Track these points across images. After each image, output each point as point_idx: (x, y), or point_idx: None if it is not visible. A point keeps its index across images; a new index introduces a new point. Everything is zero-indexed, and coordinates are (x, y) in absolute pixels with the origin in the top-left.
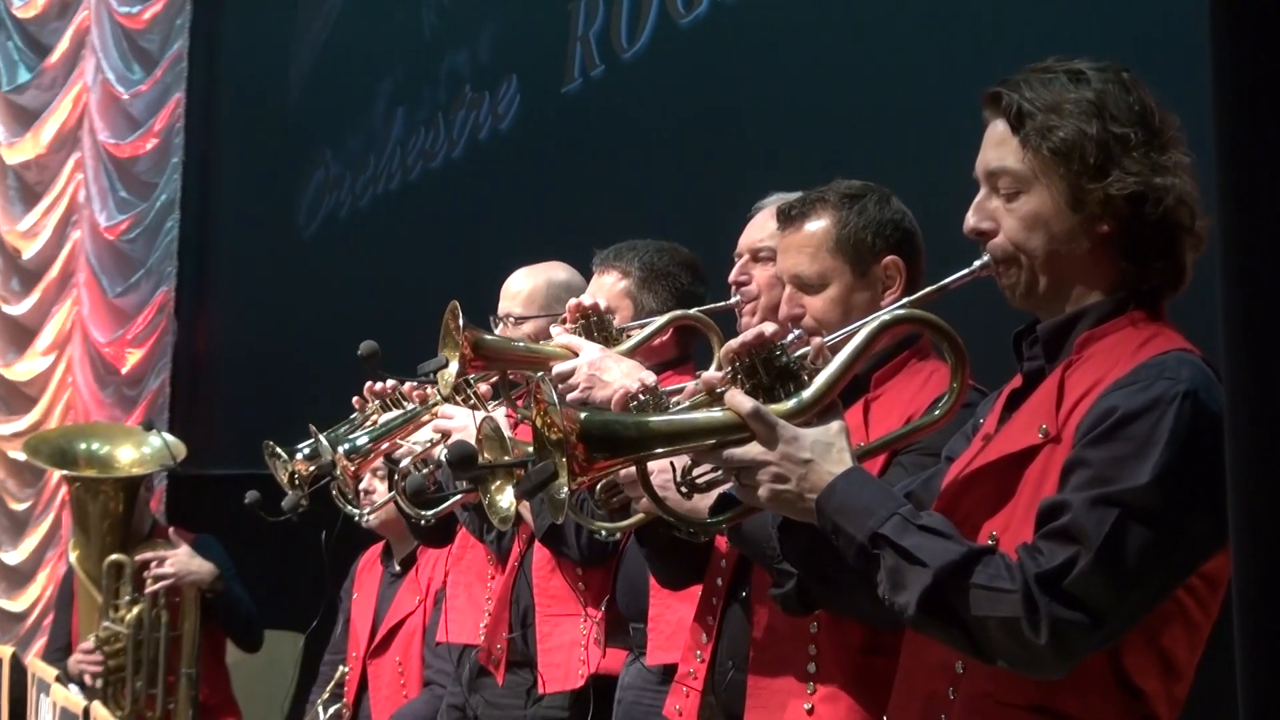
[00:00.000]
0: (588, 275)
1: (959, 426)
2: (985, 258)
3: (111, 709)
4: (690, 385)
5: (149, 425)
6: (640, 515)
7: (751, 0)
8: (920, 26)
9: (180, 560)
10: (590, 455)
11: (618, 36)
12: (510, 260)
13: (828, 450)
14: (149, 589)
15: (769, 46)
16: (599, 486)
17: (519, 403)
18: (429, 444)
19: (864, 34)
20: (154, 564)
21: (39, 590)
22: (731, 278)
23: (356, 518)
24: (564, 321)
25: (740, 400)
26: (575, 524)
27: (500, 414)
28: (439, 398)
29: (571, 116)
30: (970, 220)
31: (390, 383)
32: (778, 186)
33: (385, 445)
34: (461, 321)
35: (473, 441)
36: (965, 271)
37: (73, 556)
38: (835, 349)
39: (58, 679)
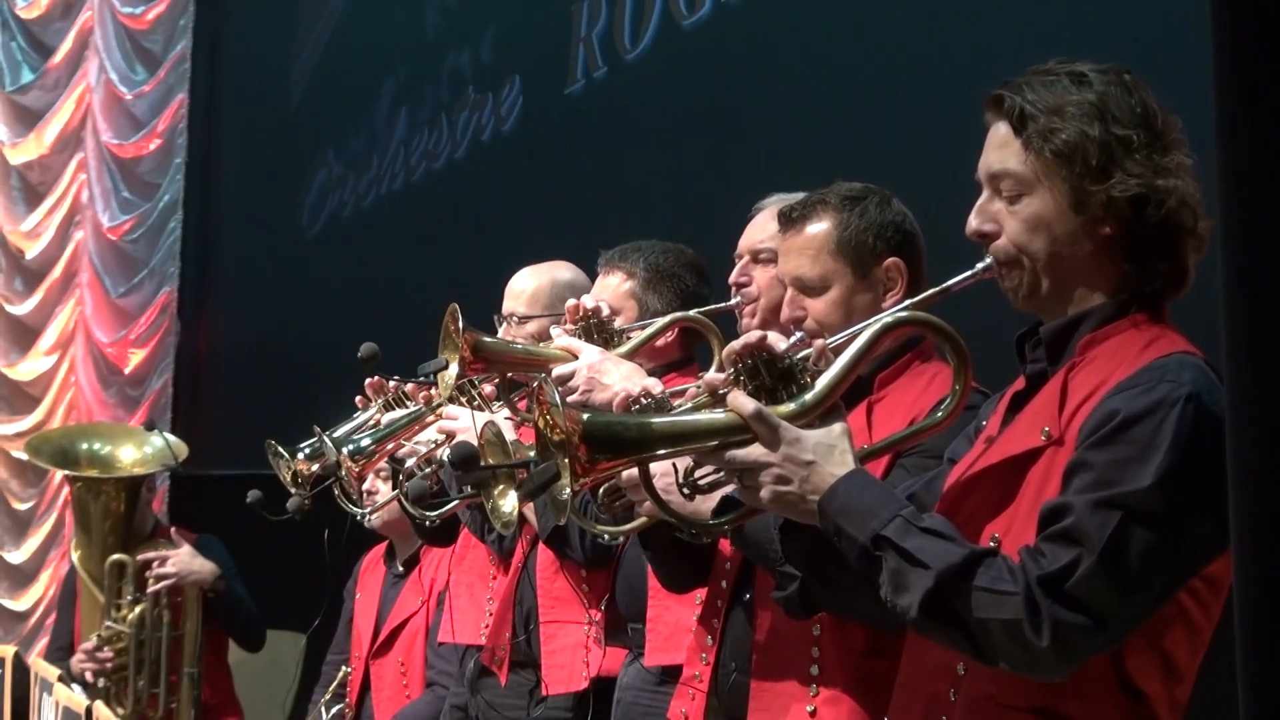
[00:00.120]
0: (591, 275)
1: (962, 428)
2: (988, 260)
3: (114, 709)
4: (692, 387)
5: (151, 425)
6: (643, 519)
7: (754, 1)
8: (922, 28)
9: (182, 560)
10: (593, 456)
11: (620, 37)
12: (513, 261)
13: (830, 452)
14: (151, 589)
15: (772, 48)
16: (601, 490)
17: (520, 405)
18: (433, 445)
19: (866, 35)
20: (156, 564)
21: (42, 590)
22: (732, 279)
23: (359, 517)
24: (564, 323)
25: (743, 402)
26: (579, 526)
27: (503, 415)
28: (443, 398)
29: (574, 117)
30: (973, 223)
31: (392, 381)
32: (780, 187)
33: (390, 446)
34: (461, 324)
35: (476, 443)
36: (968, 274)
37: (75, 556)
38: (838, 351)
39: (60, 679)
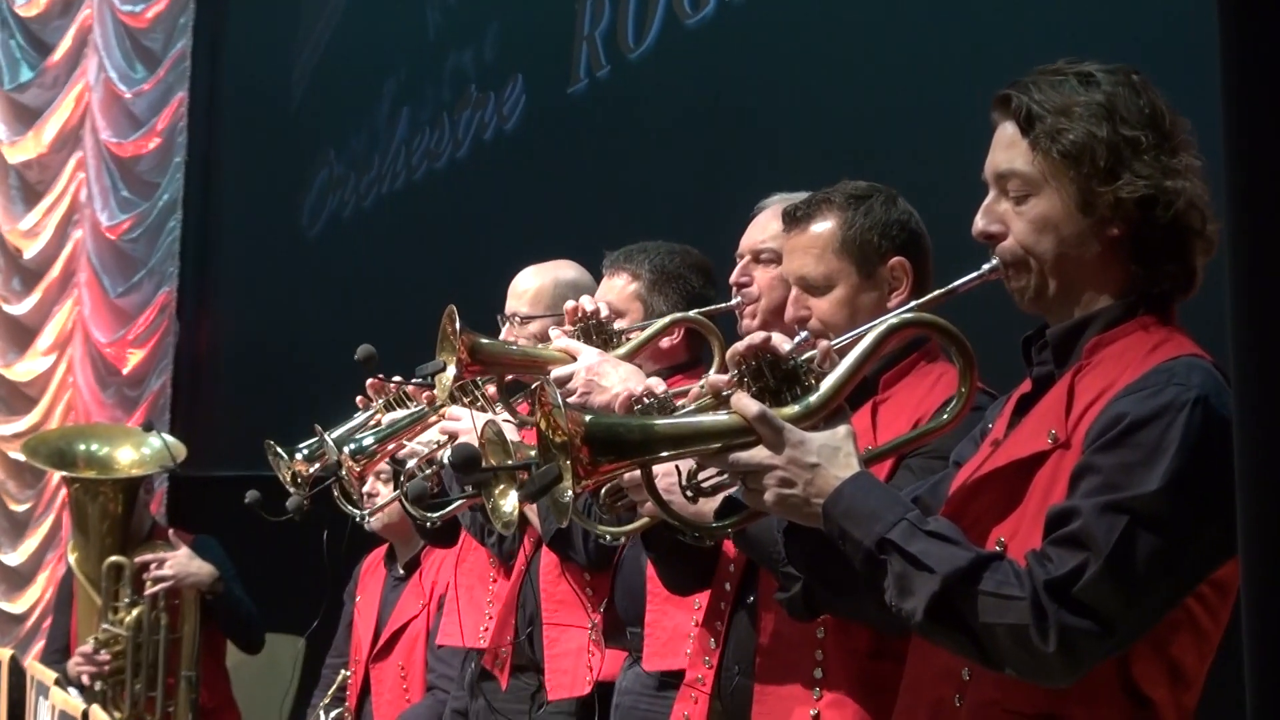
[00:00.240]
0: (595, 275)
1: (968, 430)
2: (994, 261)
3: (110, 712)
4: (695, 388)
5: (149, 426)
6: (644, 519)
7: (758, 1)
8: (928, 27)
9: (180, 562)
10: (595, 458)
11: (624, 36)
12: (515, 261)
13: (835, 454)
14: (148, 591)
15: (776, 47)
16: (603, 490)
17: (522, 410)
18: (435, 445)
19: (871, 34)
20: (153, 566)
21: (39, 592)
22: (732, 279)
23: (358, 518)
24: (563, 324)
25: (746, 403)
26: (582, 528)
27: (505, 415)
28: (441, 400)
29: (577, 117)
30: (979, 223)
31: (393, 381)
32: (784, 187)
33: (391, 446)
34: (458, 325)
35: (477, 444)
36: (974, 275)
37: (72, 558)
38: (842, 352)
39: (57, 682)
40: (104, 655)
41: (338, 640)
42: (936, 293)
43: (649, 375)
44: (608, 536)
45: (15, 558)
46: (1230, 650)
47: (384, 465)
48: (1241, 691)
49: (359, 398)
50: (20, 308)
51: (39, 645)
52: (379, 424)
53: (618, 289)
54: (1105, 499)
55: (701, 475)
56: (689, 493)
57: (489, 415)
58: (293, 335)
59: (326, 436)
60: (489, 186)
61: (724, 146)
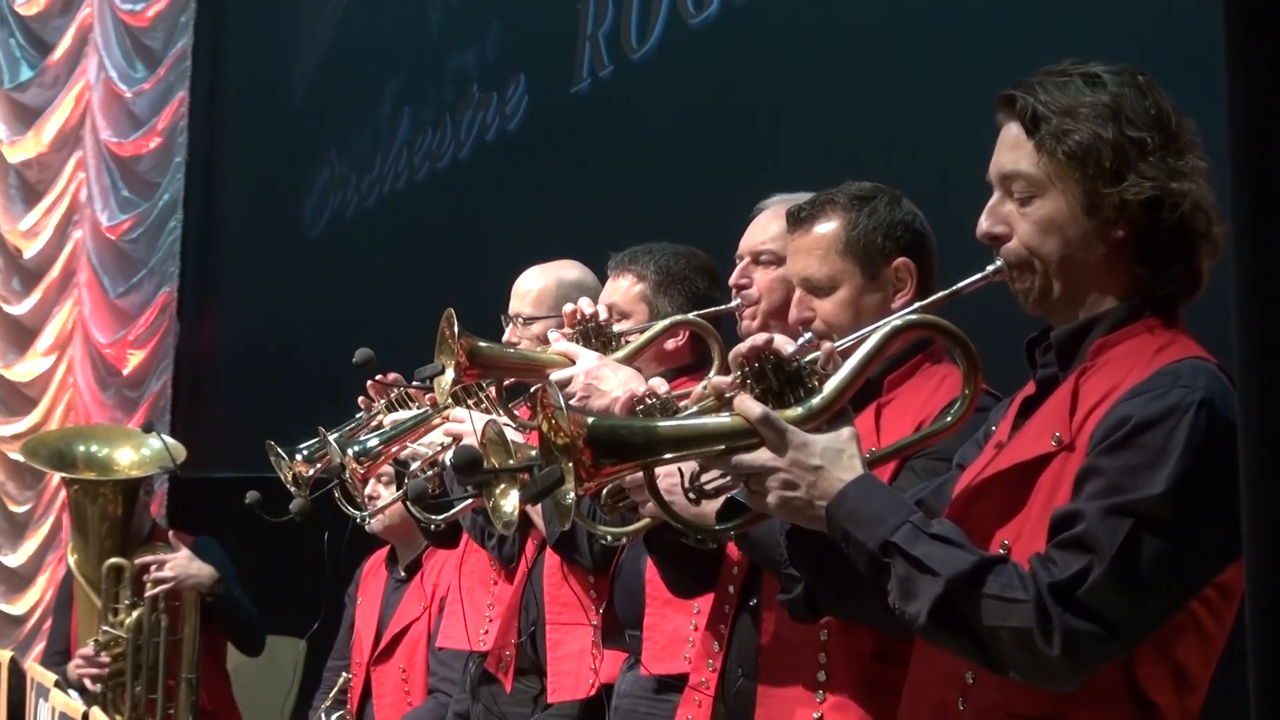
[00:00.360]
0: (598, 275)
1: (972, 432)
2: (998, 262)
3: (111, 714)
4: (698, 389)
5: (149, 427)
6: (646, 521)
7: (762, 1)
8: (932, 27)
9: (180, 563)
10: (597, 460)
11: (627, 36)
12: (518, 261)
13: (838, 457)
14: (149, 593)
15: (779, 47)
16: (605, 491)
17: (523, 414)
18: (439, 448)
19: (875, 35)
20: (153, 567)
21: (39, 594)
22: (732, 280)
23: (358, 520)
24: (563, 325)
25: (749, 405)
26: (587, 531)
27: (506, 420)
28: (441, 403)
29: (580, 117)
30: (983, 224)
31: (393, 376)
32: (788, 187)
33: (395, 448)
34: (457, 329)
35: (480, 446)
36: (978, 276)
37: (71, 560)
38: (845, 354)
39: (56, 684)
40: (104, 657)
41: (339, 642)
42: (940, 294)
43: (654, 377)
44: (609, 538)
45: (15, 559)
46: (1235, 654)
47: (385, 467)
48: (1246, 695)
49: (361, 399)
50: (20, 308)
51: (39, 647)
52: (381, 425)
53: (623, 290)
54: (1110, 502)
55: (704, 477)
56: (691, 495)
57: (492, 416)
58: (294, 336)
59: (330, 438)
60: (491, 187)
61: (727, 147)
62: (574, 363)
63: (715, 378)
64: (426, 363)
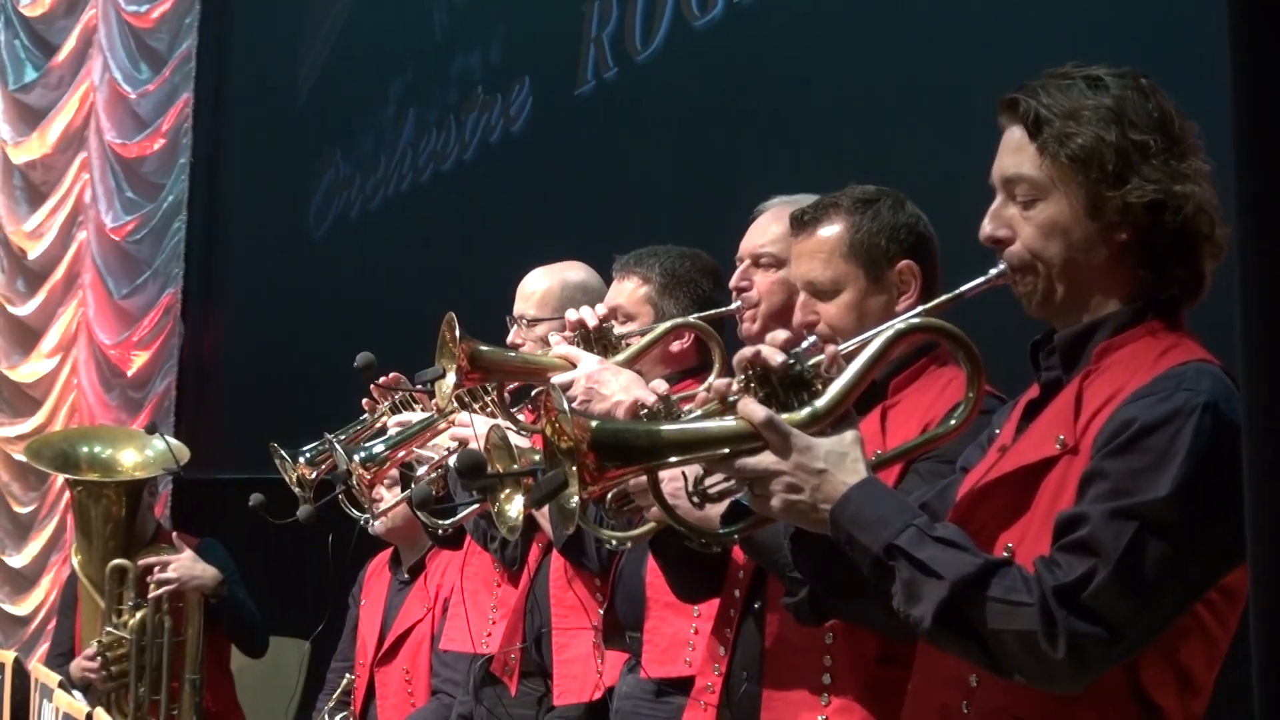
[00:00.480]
0: (602, 277)
1: (976, 434)
2: (1001, 266)
3: (114, 715)
4: (701, 391)
5: (153, 429)
6: (651, 525)
7: (767, 2)
8: (937, 30)
9: (184, 565)
10: (601, 464)
11: (631, 38)
12: (522, 263)
13: (842, 460)
14: (152, 594)
15: (784, 49)
16: (609, 495)
17: (528, 418)
18: (445, 452)
19: (880, 37)
20: (157, 569)
21: (43, 595)
22: (732, 283)
23: (362, 522)
24: (565, 329)
25: (753, 409)
26: (594, 535)
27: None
28: (454, 406)
29: (584, 119)
30: (986, 228)
31: (393, 376)
32: (792, 189)
33: (402, 454)
34: (458, 333)
35: (484, 450)
36: (981, 280)
37: (75, 561)
38: (849, 358)
39: (60, 685)
40: (107, 658)
41: (342, 644)
42: (943, 298)
43: (658, 379)
44: (614, 542)
45: (19, 560)
46: (1239, 656)
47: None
48: (1250, 697)
49: (365, 400)
50: (24, 309)
51: (43, 648)
52: (385, 427)
53: (628, 292)
54: (1114, 505)
55: (708, 481)
56: (695, 499)
57: (496, 421)
58: (298, 337)
59: (336, 445)
60: (495, 188)
61: (732, 149)
62: (575, 366)
63: (717, 381)
64: (431, 364)
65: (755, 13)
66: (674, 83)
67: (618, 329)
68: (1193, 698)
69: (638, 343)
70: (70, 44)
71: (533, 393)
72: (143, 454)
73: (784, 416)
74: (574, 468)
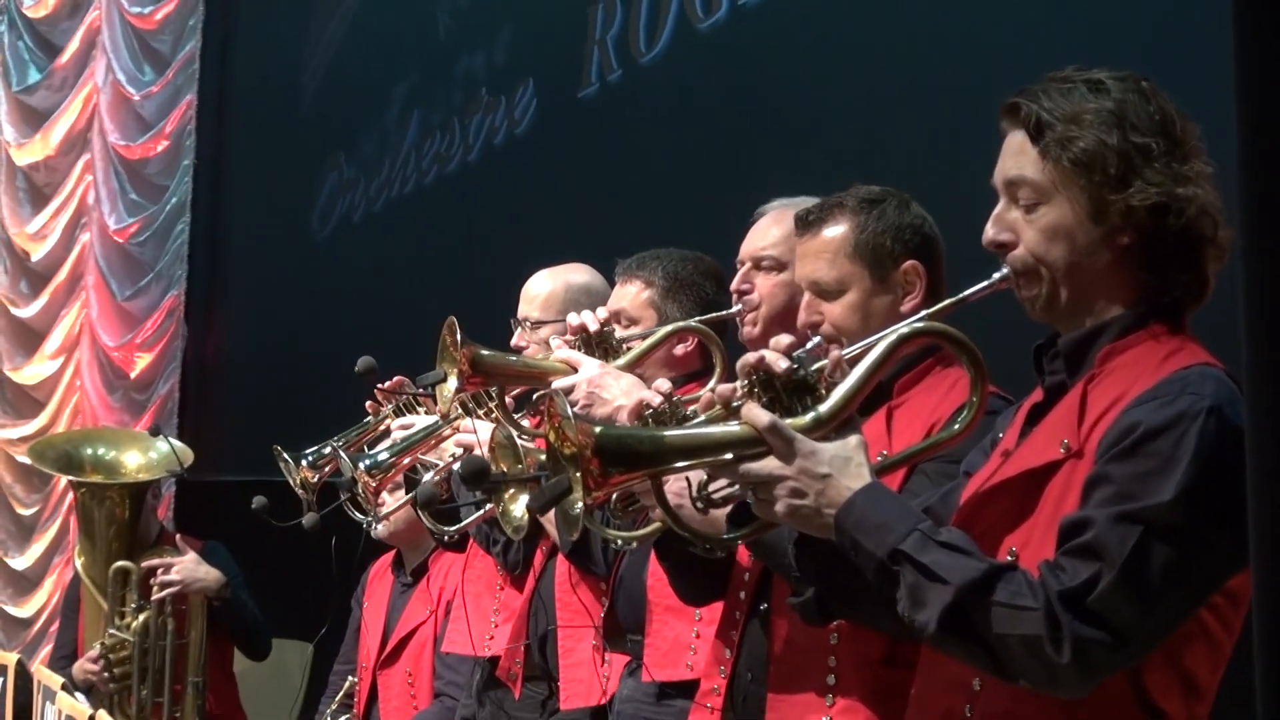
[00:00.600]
0: (606, 279)
1: (981, 436)
2: (1005, 270)
3: (117, 718)
4: (705, 392)
5: (156, 431)
6: (657, 525)
7: (771, 4)
8: (941, 33)
9: (187, 567)
10: (605, 470)
11: (635, 40)
12: (525, 266)
13: (846, 465)
14: (155, 596)
15: (788, 51)
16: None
17: (532, 423)
18: (451, 458)
19: (884, 39)
20: (160, 571)
21: (45, 597)
22: (733, 286)
23: (364, 525)
24: (566, 333)
25: (757, 414)
26: (601, 539)
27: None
28: (459, 411)
29: (588, 121)
30: (989, 232)
31: (397, 379)
32: (797, 191)
33: (407, 460)
34: (459, 337)
35: (488, 453)
36: (984, 284)
37: (78, 563)
38: (853, 362)
39: (63, 687)
40: (110, 660)
41: (345, 646)
42: (946, 302)
43: (663, 379)
44: (619, 541)
45: (22, 562)
46: (1242, 660)
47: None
48: (1253, 702)
49: (368, 403)
50: (27, 311)
51: (46, 650)
52: (389, 430)
53: (631, 296)
54: (1119, 509)
55: (712, 486)
56: (699, 504)
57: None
58: (301, 340)
59: (341, 452)
60: (499, 191)
61: (736, 151)
62: (576, 370)
63: (721, 386)
64: (434, 367)
65: (760, 15)
66: (678, 85)
67: (619, 332)
68: (1197, 702)
69: (638, 347)
70: (74, 45)
71: (534, 397)
72: (146, 456)
73: (788, 421)
74: (578, 474)
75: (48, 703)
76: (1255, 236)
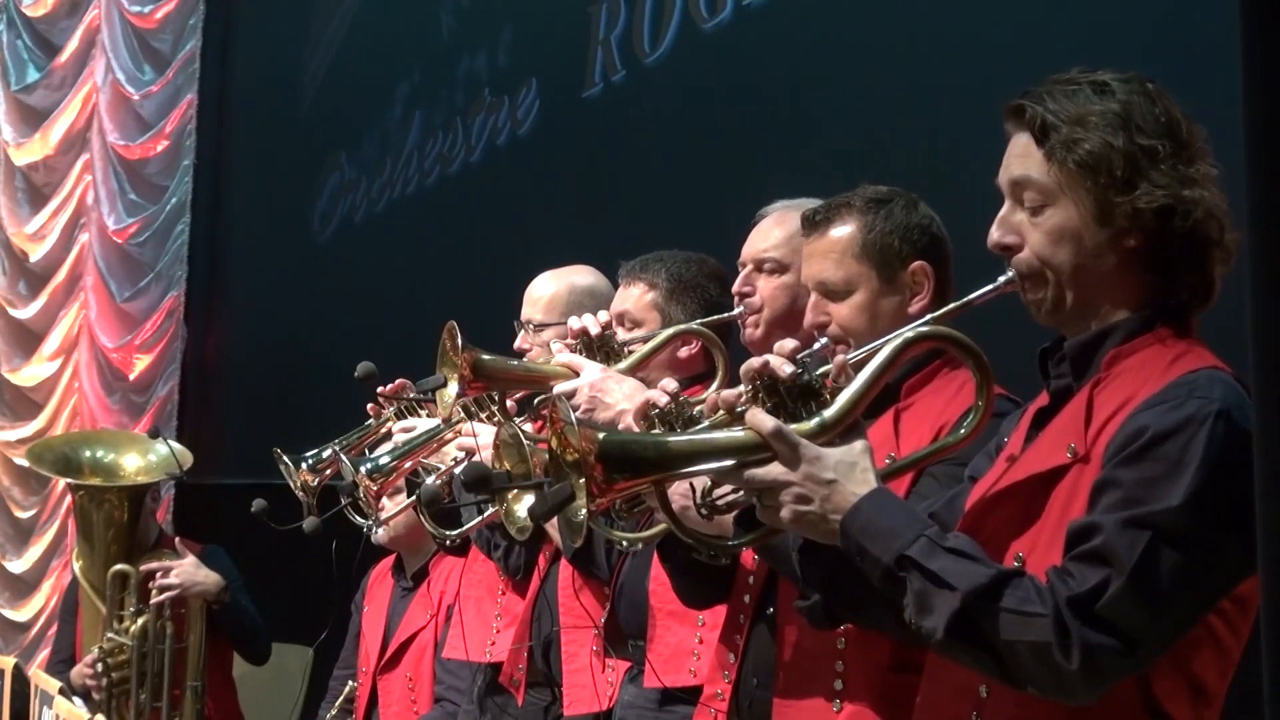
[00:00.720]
0: (610, 281)
1: (987, 439)
2: (1010, 273)
3: None
4: (709, 393)
5: (155, 433)
6: (662, 526)
7: (776, 4)
8: (946, 34)
9: (186, 571)
10: (609, 476)
11: (639, 40)
12: (528, 267)
13: (851, 470)
14: (154, 600)
15: (793, 52)
16: None
17: (536, 428)
18: (453, 462)
19: (889, 40)
20: (159, 574)
21: (43, 600)
22: (735, 288)
23: (365, 529)
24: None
25: (761, 419)
26: (605, 544)
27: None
28: (462, 415)
29: (592, 122)
30: (994, 234)
31: (399, 382)
32: (801, 192)
33: (408, 464)
34: (460, 342)
35: (491, 454)
36: (990, 287)
37: (77, 566)
38: (858, 366)
39: (61, 691)
40: (108, 665)
41: (345, 651)
42: (952, 305)
43: (669, 379)
44: (624, 543)
45: (20, 565)
46: (1250, 666)
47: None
48: (1261, 707)
49: (370, 405)
50: (26, 312)
51: (44, 653)
52: (390, 433)
53: (635, 298)
54: (1127, 514)
55: (717, 493)
56: (704, 510)
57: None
58: (302, 341)
59: (343, 456)
60: (502, 191)
61: (740, 152)
62: (578, 374)
63: (725, 391)
64: (434, 370)
65: (764, 15)
66: (682, 85)
67: (621, 336)
68: (1205, 708)
69: (640, 350)
70: (73, 45)
71: (535, 400)
72: (145, 458)
73: (792, 427)
74: (581, 480)
75: (45, 707)
76: (1263, 239)
